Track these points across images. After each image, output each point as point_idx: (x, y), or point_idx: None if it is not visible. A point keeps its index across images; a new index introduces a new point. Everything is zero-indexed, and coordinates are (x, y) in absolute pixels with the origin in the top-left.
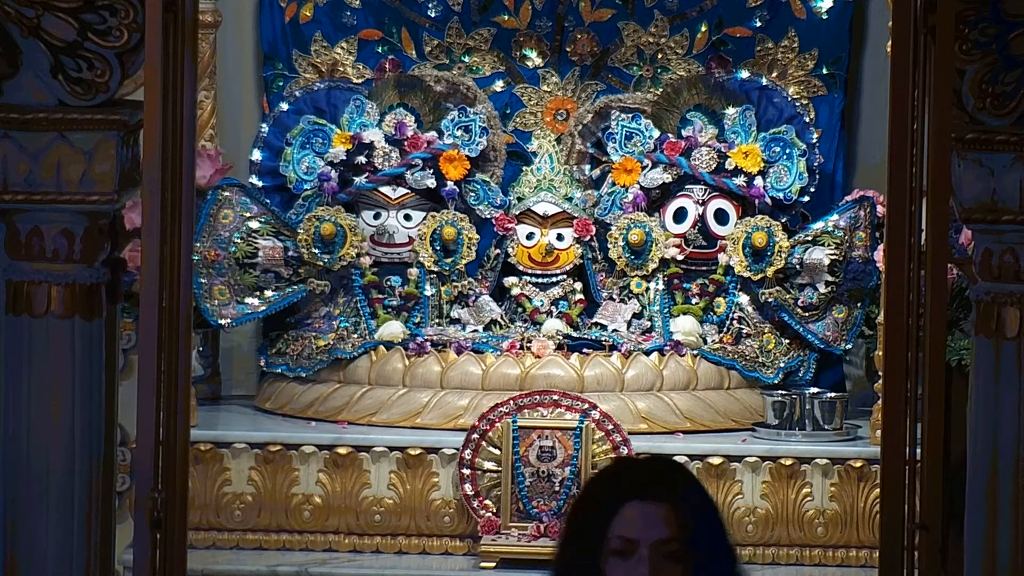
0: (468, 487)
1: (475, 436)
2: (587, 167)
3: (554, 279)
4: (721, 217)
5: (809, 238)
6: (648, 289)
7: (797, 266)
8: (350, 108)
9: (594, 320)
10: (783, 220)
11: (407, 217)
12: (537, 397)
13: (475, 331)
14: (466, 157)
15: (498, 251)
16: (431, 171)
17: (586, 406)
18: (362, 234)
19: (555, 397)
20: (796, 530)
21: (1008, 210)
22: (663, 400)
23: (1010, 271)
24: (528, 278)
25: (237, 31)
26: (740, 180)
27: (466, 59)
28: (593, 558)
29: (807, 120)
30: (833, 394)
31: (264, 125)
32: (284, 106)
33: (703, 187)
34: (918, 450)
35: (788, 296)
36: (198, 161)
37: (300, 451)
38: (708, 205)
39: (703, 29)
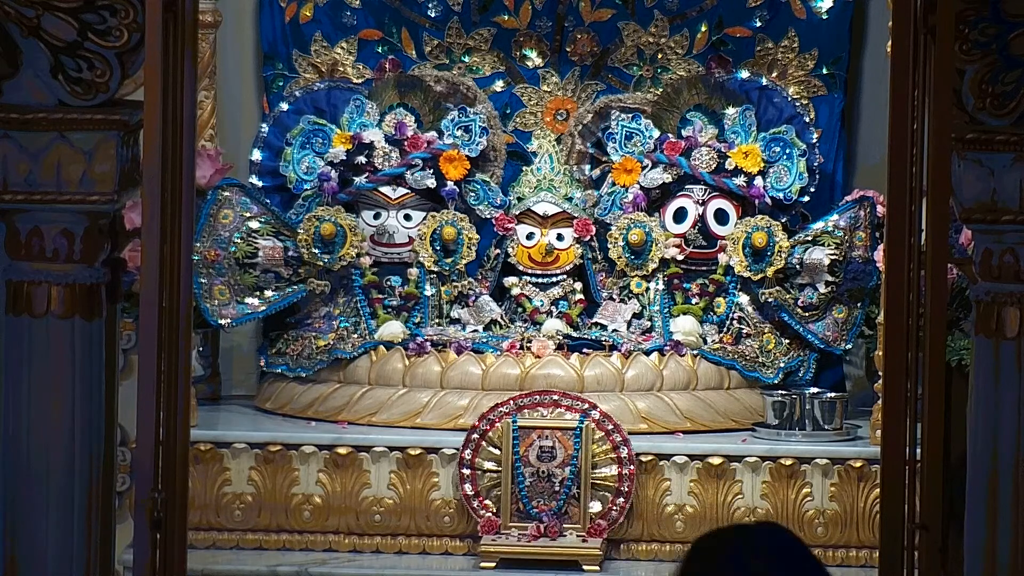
0: (468, 487)
1: (475, 436)
2: (587, 167)
3: (554, 279)
4: (721, 217)
5: (809, 238)
6: (648, 289)
7: (797, 266)
8: (350, 108)
9: (594, 320)
10: (783, 220)
11: (407, 217)
12: (537, 397)
13: (475, 331)
14: (466, 157)
15: (498, 251)
16: (431, 171)
17: (586, 406)
18: (362, 234)
19: (555, 397)
20: (796, 530)
21: (1008, 210)
22: (663, 400)
23: (1010, 271)
24: (528, 278)
25: (237, 31)
26: (740, 180)
27: (466, 59)
28: None
29: (807, 120)
30: (833, 394)
31: (264, 125)
32: (284, 106)
33: (703, 187)
34: (918, 450)
35: (788, 296)
36: (198, 161)
37: (300, 451)
38: (708, 205)
39: (703, 29)
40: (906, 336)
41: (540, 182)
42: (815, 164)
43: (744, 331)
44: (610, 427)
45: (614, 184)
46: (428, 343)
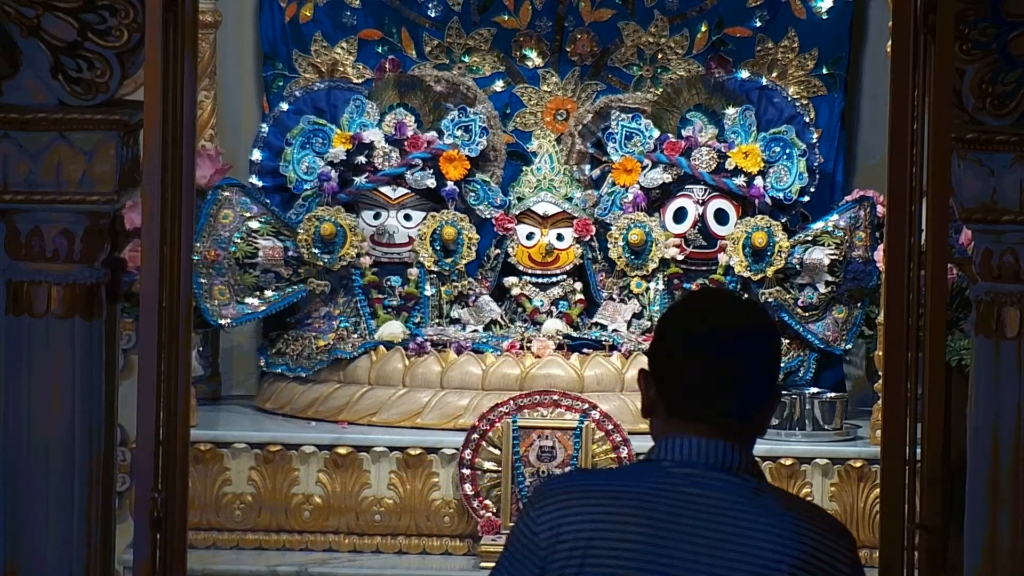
0: (468, 487)
1: (475, 436)
2: (587, 167)
3: (554, 279)
4: (721, 217)
5: (809, 238)
6: (648, 289)
7: (797, 266)
8: (350, 108)
9: (594, 320)
10: (783, 220)
11: (407, 217)
12: (537, 397)
13: (475, 331)
14: (466, 157)
15: (498, 251)
16: (431, 171)
17: (586, 406)
18: (362, 234)
19: (555, 397)
20: None
21: (1008, 210)
22: None
23: (1010, 271)
24: (528, 278)
25: (237, 31)
26: (740, 180)
27: (466, 59)
28: None
29: (807, 120)
30: (833, 394)
31: (264, 125)
32: (284, 106)
33: (703, 187)
34: (918, 450)
35: (788, 296)
36: (198, 161)
37: (300, 451)
38: (708, 205)
39: (703, 29)
40: (906, 336)
41: (540, 182)
42: (815, 164)
43: None
44: (610, 427)
45: (614, 184)
46: (428, 343)
